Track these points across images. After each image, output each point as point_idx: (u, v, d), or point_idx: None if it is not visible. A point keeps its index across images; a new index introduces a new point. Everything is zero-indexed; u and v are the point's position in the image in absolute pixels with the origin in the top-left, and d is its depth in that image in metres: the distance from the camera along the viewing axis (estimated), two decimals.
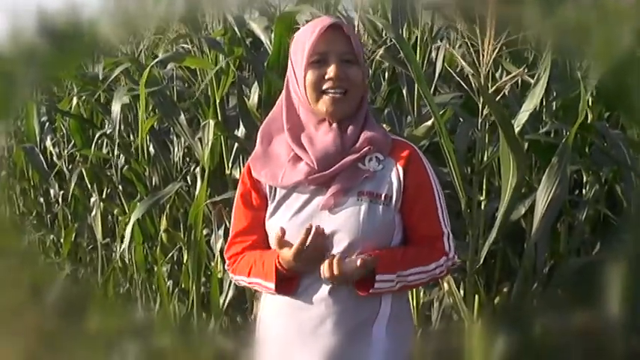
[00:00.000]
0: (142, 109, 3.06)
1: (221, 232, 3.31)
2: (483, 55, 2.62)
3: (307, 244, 1.70)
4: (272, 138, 1.87)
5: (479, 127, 2.71)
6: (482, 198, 2.97)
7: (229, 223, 3.31)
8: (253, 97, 3.27)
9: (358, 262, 1.69)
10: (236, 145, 3.33)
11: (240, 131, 3.33)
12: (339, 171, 1.77)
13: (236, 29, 3.22)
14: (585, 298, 2.78)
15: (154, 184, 3.83)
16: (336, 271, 1.70)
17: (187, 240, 3.44)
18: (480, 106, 2.64)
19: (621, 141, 2.93)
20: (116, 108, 3.55)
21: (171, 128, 3.68)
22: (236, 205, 1.94)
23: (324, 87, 1.78)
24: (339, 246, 1.75)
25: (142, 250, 3.87)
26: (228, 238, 1.97)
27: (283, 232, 1.76)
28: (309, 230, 1.71)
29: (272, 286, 1.80)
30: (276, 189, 1.84)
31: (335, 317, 1.78)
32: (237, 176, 3.40)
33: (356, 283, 1.76)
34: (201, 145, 3.36)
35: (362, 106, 1.84)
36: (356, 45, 1.80)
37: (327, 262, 1.71)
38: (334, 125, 1.80)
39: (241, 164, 3.34)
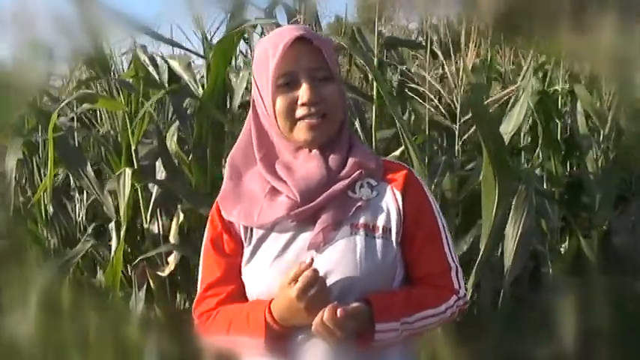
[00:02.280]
0: (51, 159, 2.64)
1: (142, 293, 2.93)
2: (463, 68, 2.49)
3: (315, 279, 1.40)
4: (242, 172, 1.58)
5: (456, 155, 2.56)
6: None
7: (152, 282, 3.04)
8: (172, 140, 2.99)
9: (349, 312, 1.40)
10: (153, 195, 3.01)
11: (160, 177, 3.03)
12: (328, 202, 1.49)
13: (150, 69, 2.95)
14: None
15: (52, 247, 3.38)
16: (331, 326, 1.39)
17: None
18: (457, 128, 2.48)
19: None
20: (11, 163, 3.09)
21: (74, 182, 3.28)
22: (205, 252, 1.60)
23: (298, 114, 1.50)
24: (334, 290, 1.44)
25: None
26: (197, 293, 1.61)
27: (311, 261, 1.43)
28: (310, 263, 1.41)
29: (261, 343, 1.47)
30: (252, 230, 1.53)
31: None
32: (156, 231, 3.09)
33: (356, 337, 1.46)
34: (112, 199, 3.02)
35: (344, 127, 1.58)
36: (329, 58, 1.53)
37: (320, 314, 1.40)
38: (315, 151, 1.53)
39: (159, 216, 3.02)
